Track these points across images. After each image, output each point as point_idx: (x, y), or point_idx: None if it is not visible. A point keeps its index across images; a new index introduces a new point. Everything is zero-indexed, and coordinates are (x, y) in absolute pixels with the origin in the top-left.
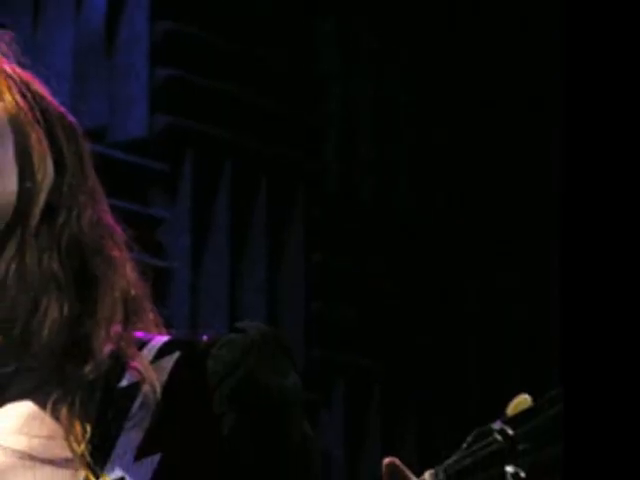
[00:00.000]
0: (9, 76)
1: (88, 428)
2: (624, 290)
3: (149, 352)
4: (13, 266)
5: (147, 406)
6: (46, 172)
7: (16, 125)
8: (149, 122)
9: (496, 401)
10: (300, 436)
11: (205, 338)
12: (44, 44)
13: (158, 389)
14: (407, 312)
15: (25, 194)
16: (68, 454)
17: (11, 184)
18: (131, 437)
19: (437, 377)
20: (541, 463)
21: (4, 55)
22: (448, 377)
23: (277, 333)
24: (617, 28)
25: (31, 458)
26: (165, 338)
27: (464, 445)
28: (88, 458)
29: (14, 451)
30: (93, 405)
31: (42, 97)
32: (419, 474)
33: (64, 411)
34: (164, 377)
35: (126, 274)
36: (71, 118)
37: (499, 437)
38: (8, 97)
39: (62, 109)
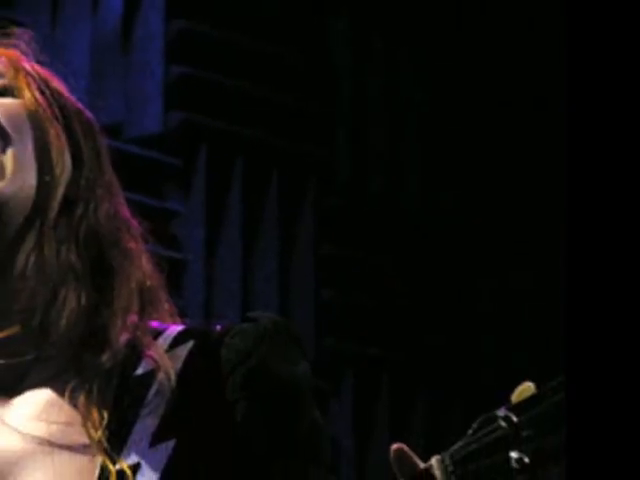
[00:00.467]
0: (28, 73)
1: (105, 415)
2: (624, 284)
3: (164, 341)
4: (32, 258)
5: (162, 393)
6: (64, 166)
7: (35, 121)
8: (164, 118)
9: (509, 399)
10: (310, 423)
11: (218, 327)
12: (62, 42)
13: (173, 377)
14: (417, 305)
15: (44, 188)
16: (86, 440)
17: (30, 178)
18: (147, 424)
19: (450, 374)
20: (544, 449)
21: (23, 53)
22: (461, 375)
23: (288, 323)
24: (618, 28)
25: (50, 444)
26: (180, 327)
27: (469, 431)
28: (105, 444)
29: (33, 437)
30: (110, 392)
31: (60, 94)
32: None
33: (82, 398)
34: (179, 365)
35: (142, 265)
36: (88, 114)
37: (504, 423)
38: (27, 94)
39: (80, 105)
